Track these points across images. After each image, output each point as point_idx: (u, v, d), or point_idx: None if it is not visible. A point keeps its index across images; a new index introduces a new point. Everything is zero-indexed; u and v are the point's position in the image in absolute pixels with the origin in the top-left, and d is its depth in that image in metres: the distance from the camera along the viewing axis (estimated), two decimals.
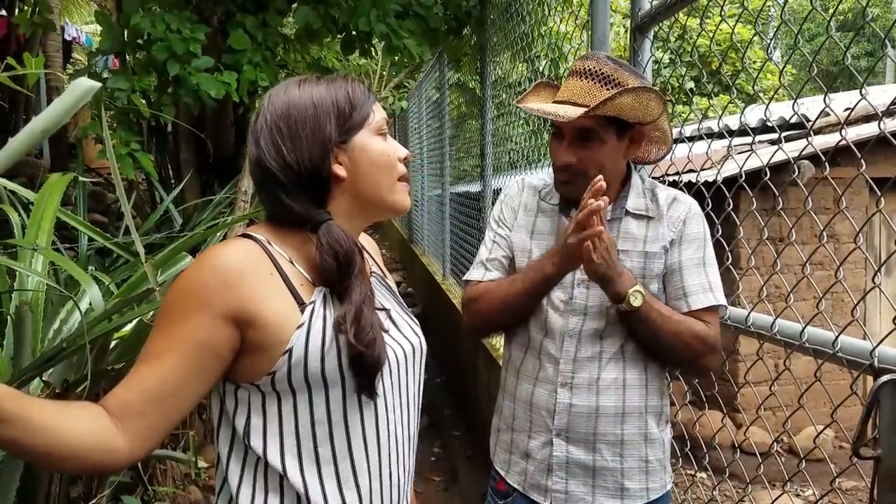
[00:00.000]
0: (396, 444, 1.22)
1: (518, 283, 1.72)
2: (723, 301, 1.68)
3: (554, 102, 1.66)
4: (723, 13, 1.92)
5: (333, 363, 1.11)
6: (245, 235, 1.18)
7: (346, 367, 1.11)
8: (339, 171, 1.17)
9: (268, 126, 1.17)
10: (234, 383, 1.14)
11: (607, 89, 1.61)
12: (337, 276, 1.14)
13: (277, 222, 1.20)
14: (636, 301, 1.57)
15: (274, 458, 1.13)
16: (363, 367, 1.11)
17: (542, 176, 1.88)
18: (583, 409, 1.68)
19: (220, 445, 1.18)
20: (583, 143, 1.63)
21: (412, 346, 1.26)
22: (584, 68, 1.64)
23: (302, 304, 1.12)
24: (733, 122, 5.64)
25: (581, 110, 1.57)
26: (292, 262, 1.16)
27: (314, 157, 1.16)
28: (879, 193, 1.33)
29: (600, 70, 1.63)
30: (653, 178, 2.36)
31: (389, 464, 1.20)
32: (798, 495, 4.20)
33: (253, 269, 1.11)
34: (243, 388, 1.13)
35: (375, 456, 1.18)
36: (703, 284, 1.67)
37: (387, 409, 1.20)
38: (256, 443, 1.13)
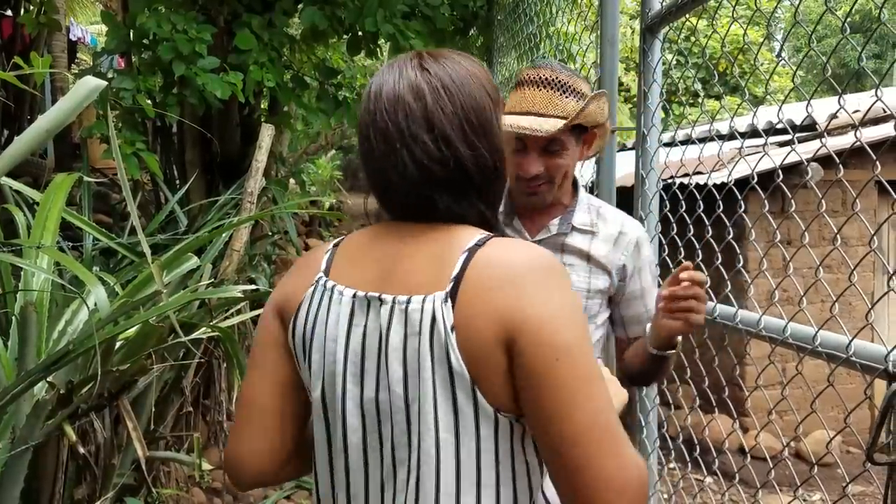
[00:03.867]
0: None
1: None
2: None
3: (512, 114, 1.65)
4: (734, 13, 1.90)
5: None
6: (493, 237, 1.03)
7: None
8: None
9: (457, 119, 1.02)
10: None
11: (566, 97, 1.63)
12: None
13: (473, 226, 1.06)
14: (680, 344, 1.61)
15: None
16: None
17: None
18: None
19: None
20: (549, 153, 1.65)
21: None
22: (540, 77, 1.65)
23: None
24: (739, 124, 5.61)
25: (554, 122, 1.59)
26: None
27: (501, 155, 1.08)
28: (895, 196, 1.31)
29: (557, 78, 1.64)
30: (661, 180, 2.35)
31: None
32: (805, 500, 4.17)
33: None
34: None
35: None
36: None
37: None
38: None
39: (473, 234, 1.02)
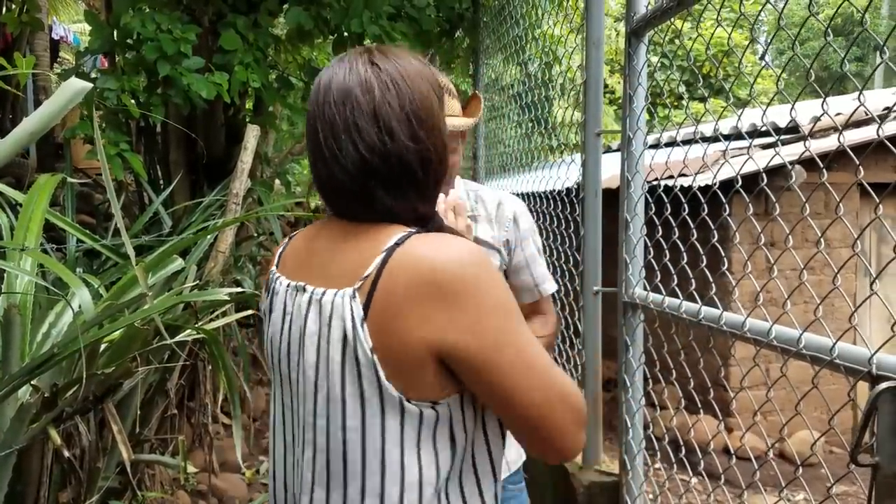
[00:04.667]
0: None
1: None
2: (555, 286, 1.97)
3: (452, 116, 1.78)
4: (719, 17, 1.91)
5: None
6: (418, 232, 1.06)
7: None
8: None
9: (404, 113, 1.04)
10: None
11: (450, 99, 1.75)
12: None
13: (399, 221, 1.08)
14: None
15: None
16: None
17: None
18: None
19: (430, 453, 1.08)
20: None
21: None
22: (449, 87, 1.78)
23: None
24: (722, 126, 5.65)
25: (455, 120, 1.74)
26: None
27: (443, 152, 1.10)
28: (878, 199, 1.32)
29: (446, 85, 1.76)
30: (646, 182, 2.36)
31: None
32: (788, 500, 4.21)
33: None
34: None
35: None
36: (545, 273, 1.88)
37: None
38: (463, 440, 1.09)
39: (398, 233, 1.04)
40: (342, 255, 1.07)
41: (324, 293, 1.05)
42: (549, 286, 1.91)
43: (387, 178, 1.04)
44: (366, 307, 1.00)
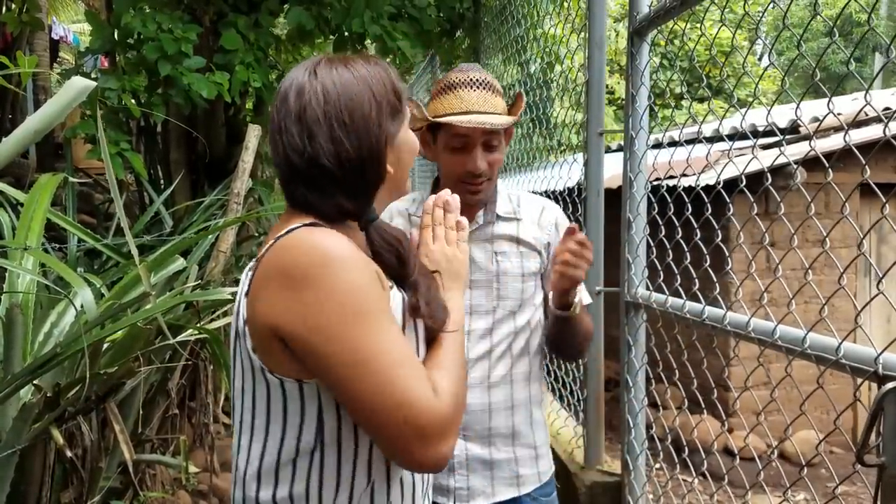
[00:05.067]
0: None
1: None
2: (590, 299, 1.92)
3: (451, 115, 1.72)
4: (723, 17, 1.91)
5: (413, 342, 1.14)
6: (313, 225, 1.11)
7: (423, 345, 1.16)
8: (390, 168, 1.16)
9: (326, 117, 1.09)
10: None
11: (496, 96, 1.74)
12: (398, 272, 1.16)
13: (320, 216, 1.13)
14: (577, 306, 1.70)
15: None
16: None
17: (408, 197, 1.94)
18: (477, 407, 1.77)
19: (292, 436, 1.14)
20: (490, 149, 1.74)
21: None
22: (471, 79, 1.74)
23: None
24: (722, 127, 5.66)
25: (497, 117, 1.70)
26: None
27: (378, 156, 1.13)
28: (885, 199, 1.32)
29: (486, 79, 1.74)
30: (648, 181, 2.36)
31: None
32: (788, 501, 4.20)
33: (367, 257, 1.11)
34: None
35: None
36: (582, 284, 1.80)
37: None
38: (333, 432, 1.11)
39: (297, 223, 1.11)
40: (271, 237, 1.15)
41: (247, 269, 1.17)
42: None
43: (307, 176, 1.11)
44: (250, 283, 1.10)
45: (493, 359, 1.78)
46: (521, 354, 1.81)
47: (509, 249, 1.81)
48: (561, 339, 1.82)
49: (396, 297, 1.14)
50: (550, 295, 1.74)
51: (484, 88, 1.73)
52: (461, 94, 1.73)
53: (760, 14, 1.82)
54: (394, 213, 1.93)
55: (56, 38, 9.84)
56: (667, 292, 2.15)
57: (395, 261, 1.16)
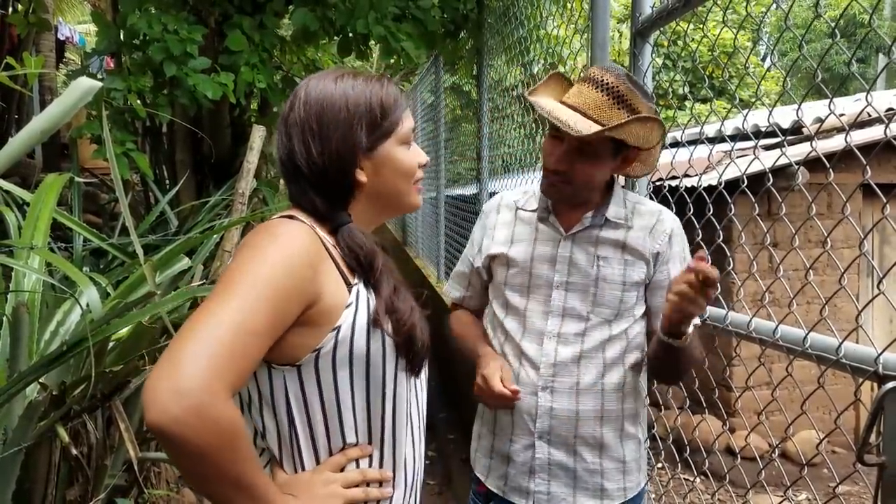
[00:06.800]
0: (422, 423, 1.30)
1: (466, 342, 1.91)
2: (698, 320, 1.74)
3: (561, 103, 1.65)
4: (724, 18, 1.92)
5: (378, 344, 1.17)
6: (290, 216, 1.20)
7: (391, 350, 1.18)
8: (361, 177, 1.23)
9: (300, 122, 1.21)
10: (269, 365, 1.14)
11: (619, 109, 1.60)
12: (361, 274, 1.20)
13: (301, 210, 1.23)
14: (689, 337, 1.58)
15: (334, 432, 1.18)
16: (412, 351, 1.20)
17: (520, 190, 1.92)
18: (563, 413, 1.72)
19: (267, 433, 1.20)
20: (580, 154, 1.63)
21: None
22: (602, 80, 1.62)
23: (349, 285, 1.17)
24: (724, 127, 5.66)
25: (590, 125, 1.57)
26: (334, 246, 1.20)
27: (341, 162, 1.21)
28: (886, 200, 1.33)
29: (617, 88, 1.61)
30: (651, 182, 2.37)
31: (422, 442, 1.30)
32: (789, 501, 4.20)
33: (318, 248, 1.15)
34: (278, 371, 1.14)
35: (418, 434, 1.28)
36: None
37: (417, 391, 1.28)
38: (301, 425, 1.17)
39: (287, 213, 1.21)
40: None
41: None
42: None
43: (288, 173, 1.24)
44: None
45: (582, 365, 1.72)
46: (613, 364, 1.73)
47: (613, 255, 1.72)
48: (661, 365, 1.72)
49: (363, 294, 1.18)
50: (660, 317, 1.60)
51: (607, 94, 1.61)
52: (584, 89, 1.64)
53: (763, 15, 1.83)
54: (502, 205, 1.91)
55: (62, 38, 9.88)
56: None
57: (358, 266, 1.19)
